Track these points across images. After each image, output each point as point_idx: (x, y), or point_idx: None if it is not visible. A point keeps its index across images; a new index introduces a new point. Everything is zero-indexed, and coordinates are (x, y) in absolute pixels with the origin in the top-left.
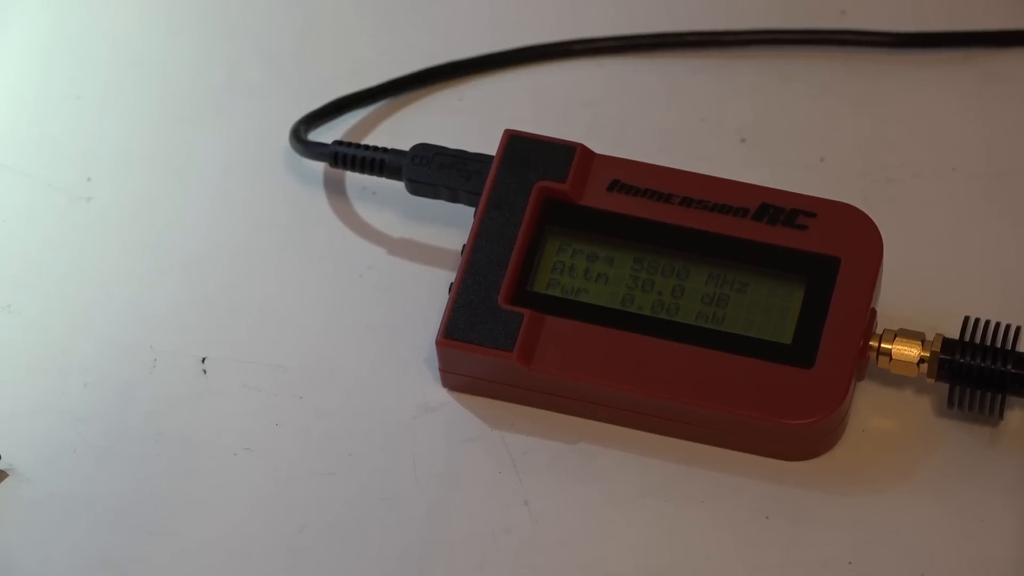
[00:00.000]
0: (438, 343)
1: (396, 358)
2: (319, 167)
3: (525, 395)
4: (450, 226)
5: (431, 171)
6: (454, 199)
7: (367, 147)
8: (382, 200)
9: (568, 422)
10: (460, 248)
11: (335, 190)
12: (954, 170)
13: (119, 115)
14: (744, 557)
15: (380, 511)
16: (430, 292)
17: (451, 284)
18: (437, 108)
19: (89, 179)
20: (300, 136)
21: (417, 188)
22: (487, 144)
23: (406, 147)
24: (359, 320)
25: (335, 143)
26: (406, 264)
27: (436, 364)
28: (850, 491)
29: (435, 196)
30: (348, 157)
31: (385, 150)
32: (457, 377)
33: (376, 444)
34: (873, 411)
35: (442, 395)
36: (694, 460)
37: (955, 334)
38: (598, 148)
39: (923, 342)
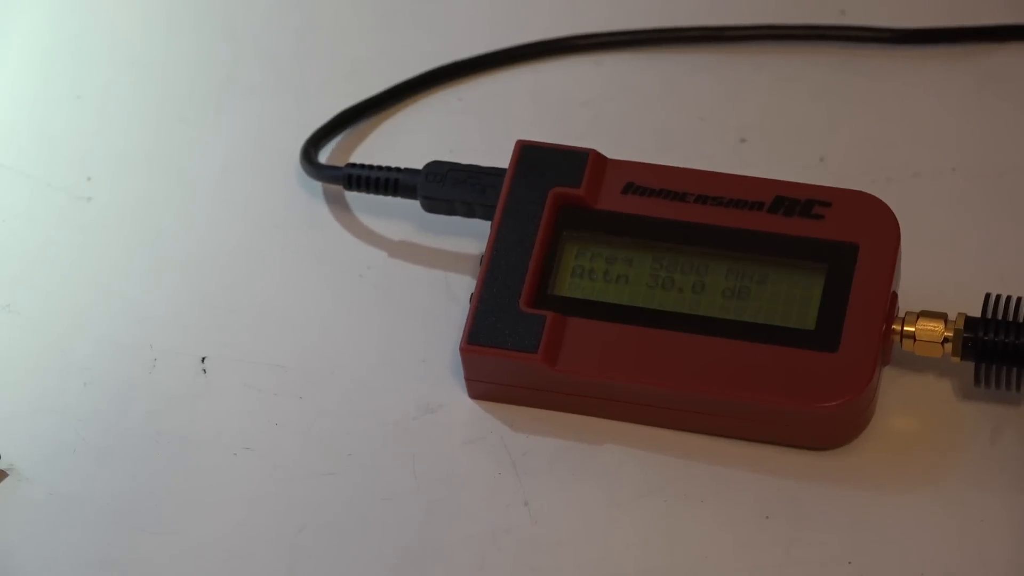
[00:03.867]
0: (462, 349)
1: (396, 358)
2: None
3: (551, 399)
4: (450, 226)
5: (445, 187)
6: (470, 214)
7: (380, 168)
8: (382, 200)
9: (568, 422)
10: (460, 248)
11: (335, 190)
12: (954, 170)
13: (119, 115)
14: (744, 557)
15: (380, 511)
16: (430, 292)
17: (471, 295)
18: (437, 108)
19: (89, 179)
20: (311, 159)
21: (432, 205)
22: (487, 144)
23: (406, 151)
24: (359, 320)
25: (348, 166)
26: (406, 264)
27: (435, 365)
28: (850, 491)
29: (451, 212)
30: (362, 179)
31: (399, 170)
32: (483, 385)
33: (376, 444)
34: (873, 411)
35: (442, 395)
36: (694, 460)
37: None
38: (598, 147)
39: (946, 321)
